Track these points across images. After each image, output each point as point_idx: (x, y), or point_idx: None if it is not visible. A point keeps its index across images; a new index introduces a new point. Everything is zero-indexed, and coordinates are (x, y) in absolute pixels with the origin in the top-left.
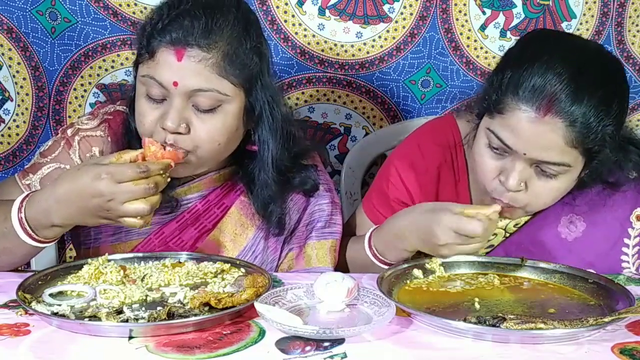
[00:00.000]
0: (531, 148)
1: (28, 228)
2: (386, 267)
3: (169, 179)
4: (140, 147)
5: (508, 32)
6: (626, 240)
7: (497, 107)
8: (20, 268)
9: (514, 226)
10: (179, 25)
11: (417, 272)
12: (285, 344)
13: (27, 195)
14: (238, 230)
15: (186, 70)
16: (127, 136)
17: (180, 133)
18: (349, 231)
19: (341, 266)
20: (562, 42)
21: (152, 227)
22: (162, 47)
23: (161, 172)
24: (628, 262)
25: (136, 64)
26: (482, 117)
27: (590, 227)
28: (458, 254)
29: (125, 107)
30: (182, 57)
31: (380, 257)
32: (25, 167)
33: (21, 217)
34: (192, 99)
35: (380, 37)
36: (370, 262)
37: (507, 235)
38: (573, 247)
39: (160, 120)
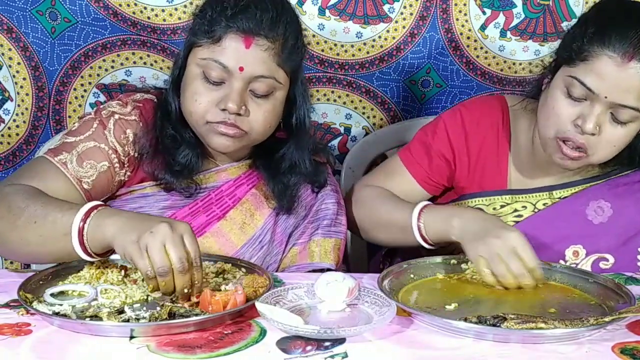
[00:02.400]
0: (613, 91)
1: (85, 227)
2: (423, 242)
3: (176, 299)
4: (179, 128)
5: (508, 32)
6: None
7: (582, 55)
8: (20, 268)
9: (544, 204)
10: (250, 15)
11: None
12: (286, 343)
13: (103, 205)
14: (247, 220)
15: (252, 57)
16: (160, 121)
17: (239, 114)
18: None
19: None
20: (638, 4)
21: (165, 212)
22: (231, 33)
23: (188, 288)
24: None
25: (188, 48)
26: (556, 71)
27: (616, 214)
28: (493, 266)
29: (152, 96)
30: (250, 45)
31: (425, 236)
32: (51, 147)
33: (86, 218)
34: (251, 84)
35: (380, 37)
36: (405, 228)
37: (536, 210)
38: (596, 231)
39: (221, 102)
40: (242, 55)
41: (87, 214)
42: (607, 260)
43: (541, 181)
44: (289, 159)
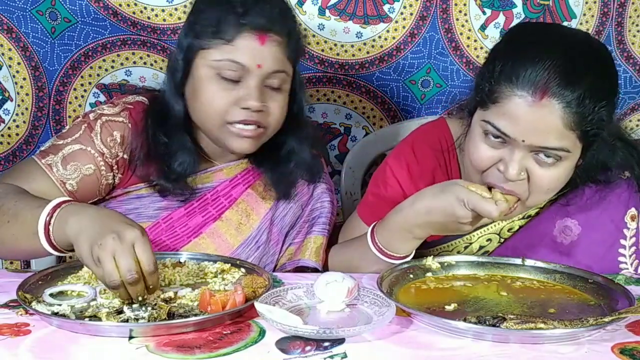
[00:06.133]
0: (530, 134)
1: (50, 228)
2: (391, 260)
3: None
4: (177, 133)
5: None
6: (622, 242)
7: (492, 97)
8: (20, 268)
9: (508, 231)
10: (261, 11)
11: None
12: (286, 343)
13: (69, 201)
14: (243, 220)
15: (267, 53)
16: (152, 126)
17: (260, 111)
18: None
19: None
20: (550, 29)
21: (161, 212)
22: (245, 32)
23: (142, 294)
24: (626, 262)
25: (194, 52)
26: (474, 111)
27: (585, 230)
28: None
29: (144, 98)
30: (264, 41)
31: (386, 251)
32: (42, 148)
33: (50, 218)
34: (266, 80)
35: (380, 37)
36: (370, 259)
37: (502, 240)
38: (569, 251)
39: (241, 101)
40: (258, 53)
41: (52, 212)
42: None
43: None
44: (289, 146)
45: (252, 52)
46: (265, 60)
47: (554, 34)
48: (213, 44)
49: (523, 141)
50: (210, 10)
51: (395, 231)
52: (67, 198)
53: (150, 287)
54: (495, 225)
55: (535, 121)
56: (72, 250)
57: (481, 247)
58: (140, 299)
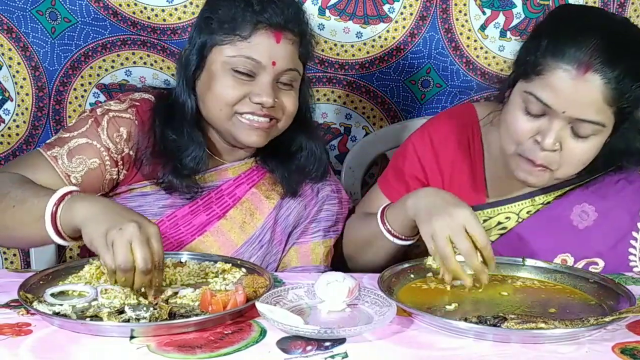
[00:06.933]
0: (571, 106)
1: (59, 210)
2: (394, 239)
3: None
4: (188, 129)
5: (508, 32)
6: (634, 234)
7: (536, 70)
8: (20, 268)
9: (527, 213)
10: (277, 9)
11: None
12: (287, 343)
13: (78, 191)
14: (247, 219)
15: (282, 51)
16: (161, 123)
17: (272, 106)
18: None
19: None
20: (592, 11)
21: (165, 210)
22: (262, 29)
23: (146, 287)
24: (635, 255)
25: (208, 49)
26: (514, 84)
27: (601, 217)
28: (437, 245)
29: (150, 96)
30: (280, 39)
31: (393, 231)
32: (48, 141)
33: (60, 202)
34: (279, 77)
35: (380, 37)
36: (377, 234)
37: (520, 220)
38: (583, 235)
39: (254, 96)
40: (273, 50)
41: (61, 198)
42: (597, 264)
43: (521, 189)
44: (297, 143)
45: (267, 49)
46: (280, 58)
47: (597, 15)
48: (229, 40)
49: (563, 112)
50: (226, 7)
51: (398, 205)
52: (76, 188)
53: (155, 284)
54: (516, 205)
55: (577, 93)
56: (74, 239)
57: (499, 223)
58: (142, 289)
